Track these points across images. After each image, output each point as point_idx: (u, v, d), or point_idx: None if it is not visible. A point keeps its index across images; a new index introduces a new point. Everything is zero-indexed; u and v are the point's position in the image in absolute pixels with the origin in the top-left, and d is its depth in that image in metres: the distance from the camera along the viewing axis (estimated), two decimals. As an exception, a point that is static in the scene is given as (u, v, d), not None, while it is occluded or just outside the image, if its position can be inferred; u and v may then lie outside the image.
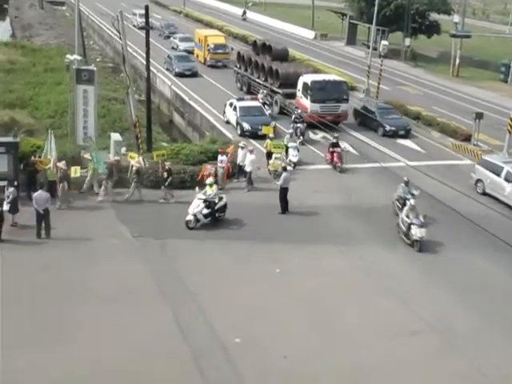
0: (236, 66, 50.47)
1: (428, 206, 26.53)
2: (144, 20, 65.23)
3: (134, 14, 74.41)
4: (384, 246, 24.76)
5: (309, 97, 39.17)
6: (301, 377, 17.08)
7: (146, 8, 33.78)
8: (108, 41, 71.78)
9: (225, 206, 26.27)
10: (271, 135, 33.50)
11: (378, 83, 47.31)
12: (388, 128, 39.27)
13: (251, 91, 46.34)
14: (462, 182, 30.23)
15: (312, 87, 39.21)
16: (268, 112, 39.32)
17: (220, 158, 30.25)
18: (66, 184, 26.50)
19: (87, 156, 28.52)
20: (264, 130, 34.76)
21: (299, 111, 37.64)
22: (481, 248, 24.41)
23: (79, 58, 31.65)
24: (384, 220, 27.17)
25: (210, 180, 26.66)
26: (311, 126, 37.41)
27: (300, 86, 40.33)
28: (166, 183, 28.14)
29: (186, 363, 17.26)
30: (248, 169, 29.98)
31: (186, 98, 45.24)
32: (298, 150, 33.31)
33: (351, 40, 75.34)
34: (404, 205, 25.94)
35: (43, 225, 24.12)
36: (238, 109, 38.67)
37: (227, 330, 18.78)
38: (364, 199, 29.52)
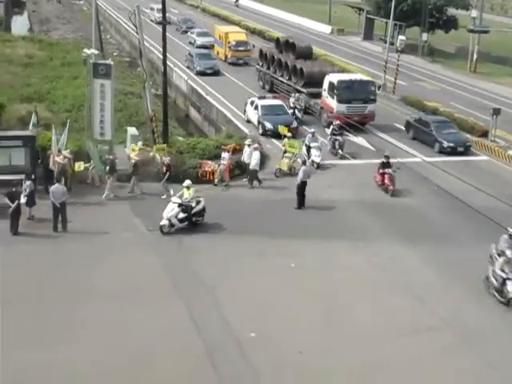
0: (258, 64, 49.27)
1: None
2: (160, 15, 65.88)
3: (152, 9, 74.41)
4: (400, 242, 24.64)
5: (335, 97, 38.19)
6: (314, 372, 17.06)
7: (163, 2, 33.77)
8: (125, 35, 71.89)
9: (203, 210, 25.23)
10: (289, 134, 33.13)
11: (395, 78, 47.12)
12: (446, 144, 35.72)
13: (274, 90, 45.45)
14: (479, 179, 30.02)
15: (338, 87, 38.21)
16: (299, 115, 38.57)
17: (222, 155, 30.10)
18: (63, 179, 25.89)
19: (68, 154, 27.86)
20: (280, 130, 34.21)
21: (337, 122, 35.36)
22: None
23: (96, 52, 31.69)
24: (400, 216, 27.09)
25: (187, 182, 25.52)
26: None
27: (326, 85, 39.30)
28: (165, 178, 27.97)
29: (200, 357, 17.29)
30: (252, 166, 29.60)
31: (203, 93, 45.28)
32: (321, 150, 32.66)
33: (368, 35, 74.99)
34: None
35: (60, 218, 24.26)
36: (259, 107, 38.06)
37: (241, 324, 18.81)
38: (380, 194, 29.42)
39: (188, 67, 53.46)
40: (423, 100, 44.51)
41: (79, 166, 27.74)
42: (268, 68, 47.44)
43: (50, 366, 16.58)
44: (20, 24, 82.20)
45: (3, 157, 26.87)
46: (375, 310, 20.09)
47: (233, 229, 25.25)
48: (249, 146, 30.65)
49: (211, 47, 61.06)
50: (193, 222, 25.05)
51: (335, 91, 38.22)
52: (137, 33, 31.65)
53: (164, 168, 28.33)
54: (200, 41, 63.24)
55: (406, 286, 21.64)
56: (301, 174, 27.40)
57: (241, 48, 57.19)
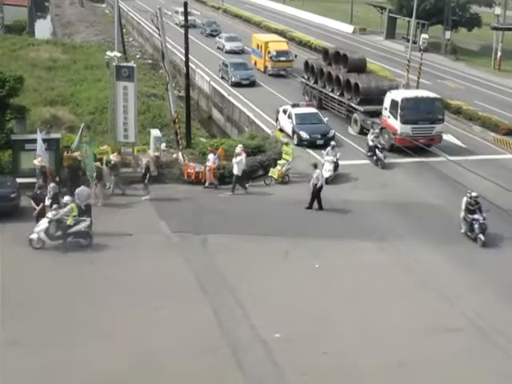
0: (303, 77, 45.29)
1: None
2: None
3: (176, 12, 73.65)
4: (425, 242, 24.48)
5: (399, 117, 34.16)
6: (340, 373, 17.01)
7: (185, 4, 33.90)
8: (147, 37, 72.22)
9: (86, 232, 23.09)
10: (285, 140, 32.16)
11: (418, 77, 46.81)
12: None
13: (323, 106, 41.36)
14: (504, 177, 29.77)
15: (403, 106, 34.14)
16: (381, 156, 32.56)
17: (208, 156, 29.62)
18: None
19: (78, 156, 27.69)
20: (276, 134, 33.26)
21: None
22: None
23: (119, 54, 31.94)
24: (424, 216, 26.94)
25: (66, 198, 23.44)
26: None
27: (387, 103, 35.27)
28: (146, 180, 27.59)
29: (226, 358, 17.32)
30: (235, 171, 28.67)
31: (225, 94, 45.31)
32: (337, 166, 30.61)
33: (390, 34, 74.64)
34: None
35: (84, 220, 24.36)
36: (293, 116, 36.44)
37: (266, 324, 18.81)
38: (404, 195, 29.30)
39: (222, 78, 50.67)
40: (447, 98, 44.17)
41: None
42: (315, 82, 43.29)
43: (78, 363, 16.70)
44: (43, 28, 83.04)
45: (28, 160, 27.13)
46: (401, 311, 19.98)
47: (256, 229, 25.23)
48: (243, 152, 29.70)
49: (241, 52, 59.97)
50: (68, 242, 22.85)
51: (399, 111, 34.21)
52: (159, 35, 31.80)
53: (144, 169, 27.85)
54: (229, 46, 61.33)
55: (431, 286, 21.49)
56: (313, 179, 27.16)
57: (282, 58, 52.95)
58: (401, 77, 48.87)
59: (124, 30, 65.50)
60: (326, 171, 29.82)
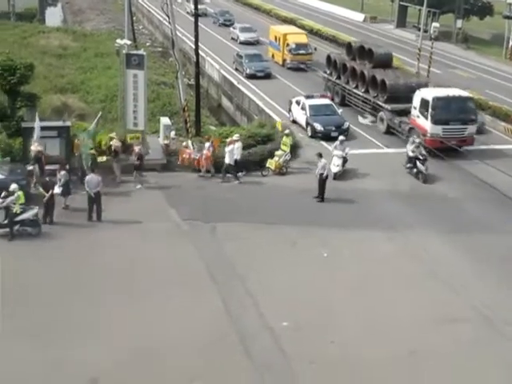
0: (325, 72, 43.03)
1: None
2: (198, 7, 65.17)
3: (187, 0, 73.47)
4: (435, 232, 24.45)
5: (429, 117, 32.45)
6: (347, 363, 17.06)
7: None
8: (157, 25, 72.14)
9: (34, 221, 22.94)
10: (286, 131, 31.55)
11: (429, 66, 46.56)
12: None
13: (345, 103, 39.81)
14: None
15: (434, 105, 32.37)
16: (422, 169, 29.66)
17: (205, 145, 29.41)
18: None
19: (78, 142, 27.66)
20: (277, 125, 33.10)
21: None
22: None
23: (129, 42, 31.85)
24: (435, 206, 26.89)
25: (13, 186, 22.84)
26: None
27: (417, 102, 33.59)
28: (138, 168, 27.55)
29: (234, 346, 17.40)
30: (227, 160, 28.60)
31: (235, 82, 45.28)
32: (345, 161, 29.52)
33: (401, 22, 74.31)
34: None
35: (94, 208, 24.49)
36: (307, 108, 35.68)
37: (275, 313, 18.87)
38: (414, 185, 29.25)
39: (236, 69, 49.29)
40: (458, 88, 43.90)
41: (102, 158, 27.95)
42: (338, 77, 41.15)
43: (89, 351, 16.79)
44: (54, 15, 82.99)
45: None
46: (408, 301, 19.99)
47: (265, 218, 25.24)
48: (237, 140, 29.51)
49: (256, 43, 58.72)
50: (14, 230, 22.64)
51: (430, 110, 32.46)
52: (169, 23, 31.77)
53: (135, 157, 27.67)
54: (243, 37, 59.75)
55: (440, 276, 21.47)
56: (318, 169, 27.04)
57: (301, 51, 50.84)
58: (411, 66, 48.71)
59: (134, 18, 65.37)
60: (335, 166, 29.00)
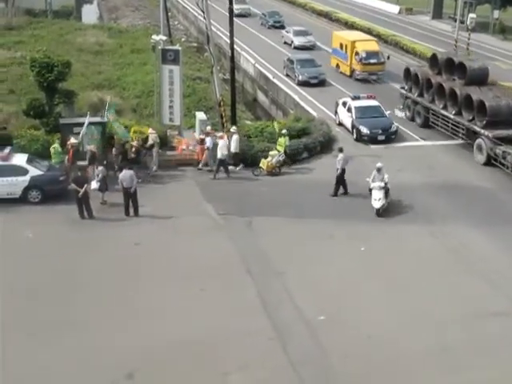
0: (403, 88, 37.41)
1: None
2: (240, 6, 64.26)
3: None
4: (473, 225, 24.20)
5: None
6: (384, 357, 16.99)
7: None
8: (192, 21, 72.33)
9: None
10: (284, 131, 30.16)
11: (466, 58, 46.03)
12: None
13: (429, 124, 34.84)
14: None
15: None
16: None
17: (206, 139, 29.11)
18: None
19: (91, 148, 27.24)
20: (274, 126, 31.67)
21: None
22: None
23: (164, 38, 32.09)
24: (473, 199, 26.62)
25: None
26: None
27: None
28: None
29: (271, 340, 17.44)
30: (218, 155, 28.23)
31: (270, 76, 45.22)
32: (387, 191, 25.44)
33: (437, 14, 73.43)
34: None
35: (131, 203, 24.72)
36: (353, 110, 33.98)
37: (311, 307, 18.88)
38: (451, 177, 28.97)
39: (287, 75, 45.48)
40: (497, 80, 43.27)
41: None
42: (420, 95, 35.57)
43: (126, 340, 17.04)
44: (90, 13, 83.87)
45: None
46: (446, 295, 19.81)
47: (300, 212, 25.27)
48: (235, 133, 29.36)
49: (312, 48, 53.58)
50: None
51: None
52: (204, 18, 31.87)
53: (132, 153, 27.51)
54: (298, 41, 54.23)
55: (477, 270, 21.26)
56: (339, 163, 26.67)
57: (373, 60, 44.65)
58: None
59: (169, 14, 65.65)
60: (376, 201, 25.09)
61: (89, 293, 19.46)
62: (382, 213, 24.94)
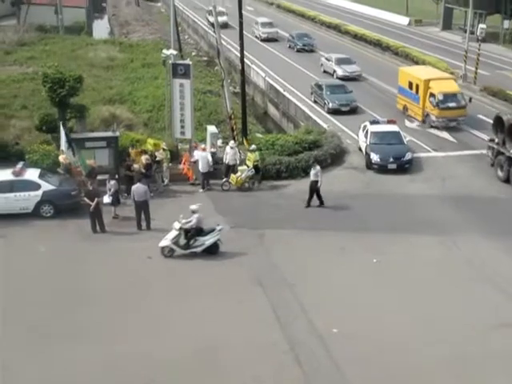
0: (492, 141, 30.74)
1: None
2: (267, 30, 64.19)
3: (256, 23, 65.97)
4: (484, 235, 24.14)
5: None
6: (400, 369, 16.92)
7: (240, 1, 33.88)
8: (202, 35, 72.67)
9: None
10: (252, 147, 29.57)
11: (476, 68, 46.02)
12: None
13: None
14: None
15: None
16: None
17: (193, 153, 29.30)
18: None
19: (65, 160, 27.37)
20: (245, 142, 31.81)
21: None
22: None
23: (175, 52, 32.25)
24: (486, 209, 26.52)
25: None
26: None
27: None
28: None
29: (284, 352, 17.40)
30: (199, 168, 28.56)
31: (281, 89, 45.28)
32: None
33: (447, 24, 73.44)
34: None
35: (143, 216, 24.76)
36: (369, 134, 31.82)
37: (324, 320, 18.82)
38: (464, 188, 28.88)
39: (315, 102, 41.73)
40: (507, 90, 43.24)
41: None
42: None
43: (142, 352, 17.06)
44: (101, 28, 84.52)
45: (88, 158, 27.64)
46: (460, 305, 19.75)
47: (311, 224, 25.30)
48: (231, 148, 29.37)
49: (358, 78, 48.05)
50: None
51: None
52: (214, 32, 31.99)
53: (143, 168, 27.36)
54: (342, 71, 47.88)
55: (491, 280, 21.17)
56: (311, 175, 26.86)
57: (452, 104, 36.75)
58: (458, 68, 48.14)
59: (179, 28, 66.06)
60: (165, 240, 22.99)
61: (102, 306, 19.51)
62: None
